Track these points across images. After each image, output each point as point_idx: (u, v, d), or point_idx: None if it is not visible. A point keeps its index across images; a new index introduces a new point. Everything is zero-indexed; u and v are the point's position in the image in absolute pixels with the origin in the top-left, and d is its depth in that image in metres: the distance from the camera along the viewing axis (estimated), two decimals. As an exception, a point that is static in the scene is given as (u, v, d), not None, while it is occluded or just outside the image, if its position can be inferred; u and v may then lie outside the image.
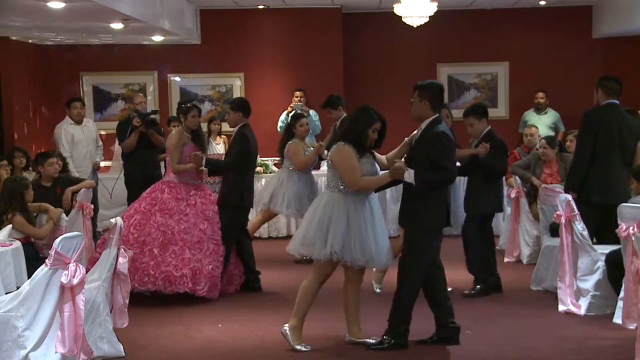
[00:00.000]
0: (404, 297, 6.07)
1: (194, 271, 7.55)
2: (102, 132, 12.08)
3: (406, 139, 6.32)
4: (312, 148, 9.38)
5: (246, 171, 8.12)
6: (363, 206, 6.03)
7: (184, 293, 7.55)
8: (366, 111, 6.10)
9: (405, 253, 6.08)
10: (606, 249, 7.06)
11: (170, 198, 7.80)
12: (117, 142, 11.85)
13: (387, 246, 6.14)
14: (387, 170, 6.06)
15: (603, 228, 7.49)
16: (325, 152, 8.68)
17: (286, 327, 6.19)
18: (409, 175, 5.90)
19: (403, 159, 6.21)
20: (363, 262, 6.03)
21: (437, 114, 6.09)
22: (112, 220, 6.09)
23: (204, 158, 7.96)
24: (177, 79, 13.55)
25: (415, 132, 6.18)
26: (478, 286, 7.81)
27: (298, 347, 6.13)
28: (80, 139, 10.58)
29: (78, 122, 10.62)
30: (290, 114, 10.29)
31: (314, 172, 9.71)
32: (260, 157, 9.85)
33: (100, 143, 10.89)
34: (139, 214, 7.75)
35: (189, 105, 8.09)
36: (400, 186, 6.17)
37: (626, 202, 7.20)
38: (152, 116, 9.99)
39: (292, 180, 9.24)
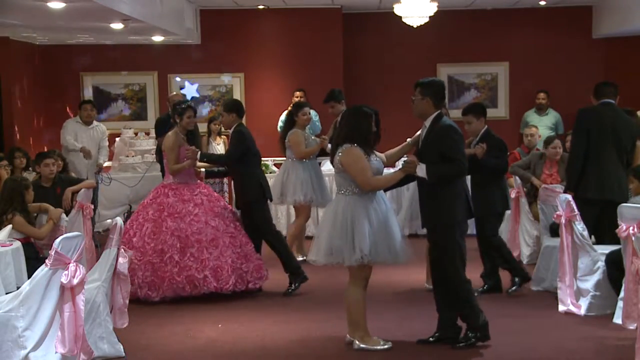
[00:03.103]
0: (464, 295, 6.04)
1: (215, 270, 7.60)
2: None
3: (409, 139, 6.31)
4: (314, 138, 9.40)
5: (254, 166, 8.17)
6: (379, 204, 6.00)
7: (209, 294, 7.60)
8: (361, 110, 6.08)
9: (441, 255, 6.03)
10: (606, 249, 7.06)
11: (177, 201, 7.83)
12: (116, 142, 11.95)
13: (405, 241, 6.09)
14: (398, 168, 6.06)
15: (601, 226, 7.50)
16: (329, 145, 8.68)
17: (357, 342, 6.08)
18: (421, 170, 5.90)
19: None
20: (391, 260, 5.98)
21: (440, 110, 6.10)
22: (109, 220, 6.10)
23: (199, 152, 8.03)
24: (177, 79, 13.54)
25: (419, 132, 6.18)
26: (516, 279, 7.81)
27: (380, 347, 6.06)
28: (84, 139, 10.75)
29: (87, 123, 10.97)
30: (293, 104, 10.28)
31: None
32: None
33: (106, 143, 11.05)
34: (149, 222, 7.77)
35: (183, 106, 8.11)
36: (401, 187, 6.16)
37: (623, 199, 7.24)
38: None
39: (296, 170, 9.26)
